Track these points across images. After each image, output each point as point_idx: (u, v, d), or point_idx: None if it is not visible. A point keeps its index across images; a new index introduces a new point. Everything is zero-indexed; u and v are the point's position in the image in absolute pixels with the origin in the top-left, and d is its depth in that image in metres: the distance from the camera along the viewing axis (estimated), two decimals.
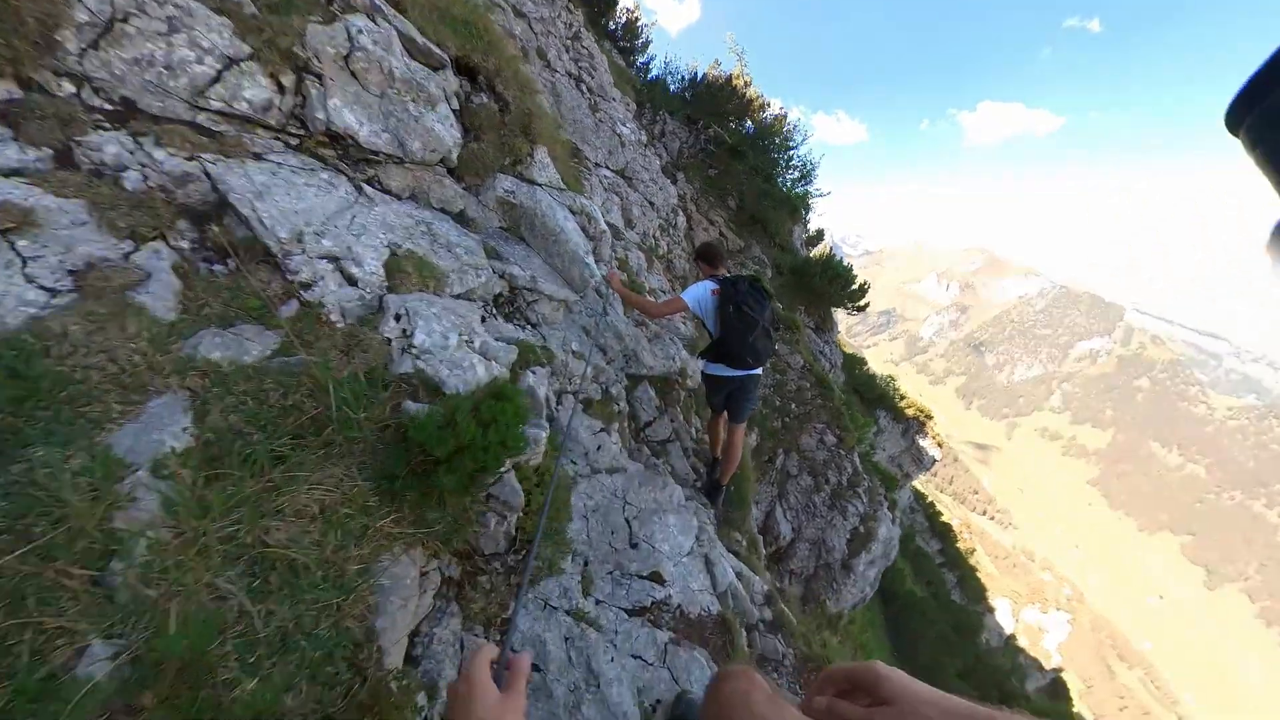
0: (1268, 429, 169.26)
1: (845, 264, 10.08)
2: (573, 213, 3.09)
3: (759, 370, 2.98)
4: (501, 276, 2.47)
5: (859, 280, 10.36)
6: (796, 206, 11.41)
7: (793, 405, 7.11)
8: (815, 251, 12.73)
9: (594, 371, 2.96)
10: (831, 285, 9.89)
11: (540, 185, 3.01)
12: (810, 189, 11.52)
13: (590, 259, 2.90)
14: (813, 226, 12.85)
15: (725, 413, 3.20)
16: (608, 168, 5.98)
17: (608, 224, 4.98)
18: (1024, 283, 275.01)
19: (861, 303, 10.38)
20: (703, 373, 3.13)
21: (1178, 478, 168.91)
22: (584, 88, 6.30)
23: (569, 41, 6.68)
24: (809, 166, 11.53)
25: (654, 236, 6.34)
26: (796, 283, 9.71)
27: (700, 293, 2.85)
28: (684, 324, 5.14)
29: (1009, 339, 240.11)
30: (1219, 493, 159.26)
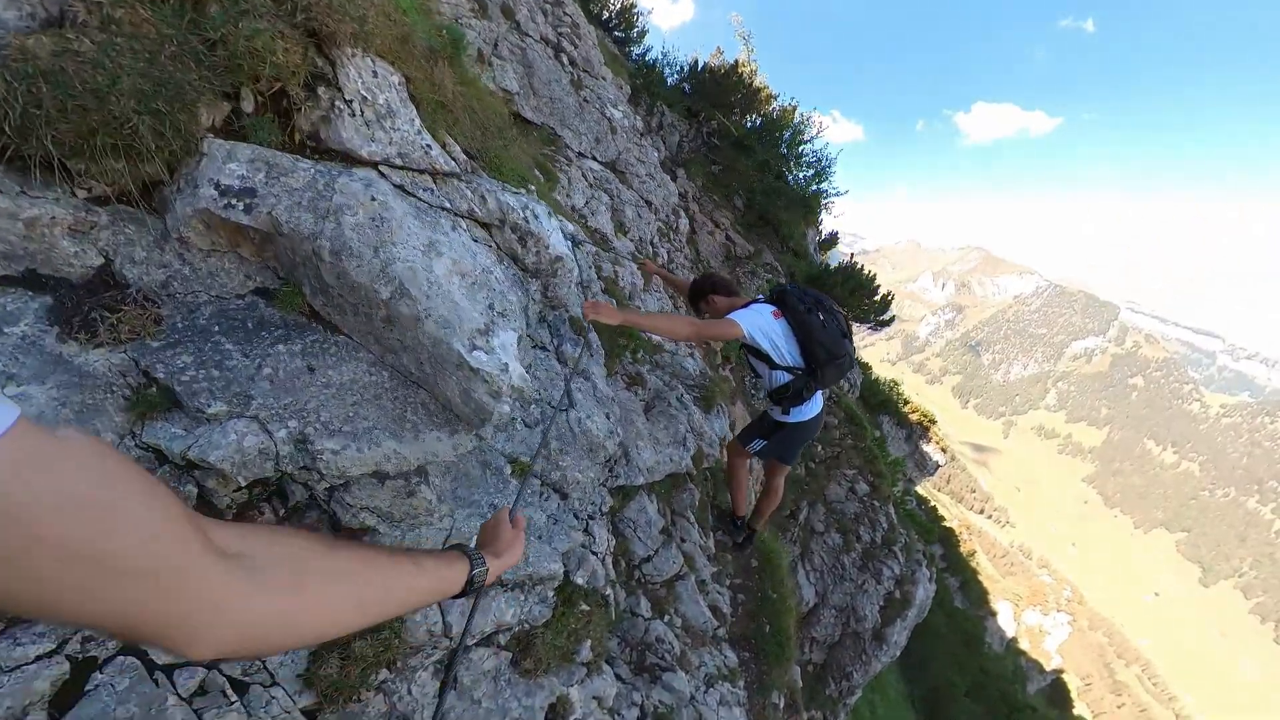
0: (1260, 426, 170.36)
1: (868, 272, 8.89)
2: (483, 227, 1.68)
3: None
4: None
5: (882, 290, 9.20)
6: (812, 207, 10.21)
7: (819, 447, 5.93)
8: (827, 255, 11.53)
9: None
10: (853, 296, 8.70)
11: (373, 165, 1.44)
12: (826, 186, 10.33)
13: (503, 349, 1.38)
14: (825, 228, 11.65)
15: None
16: (594, 158, 4.75)
17: (592, 231, 3.77)
18: (1019, 282, 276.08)
19: (886, 316, 9.21)
20: (780, 423, 2.42)
21: (1172, 475, 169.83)
22: (565, 59, 5.06)
23: (548, 5, 5.43)
24: (824, 162, 10.33)
25: (652, 244, 5.11)
26: None
27: (761, 320, 2.14)
28: (691, 357, 3.93)
29: (1005, 338, 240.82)
30: (1212, 490, 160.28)
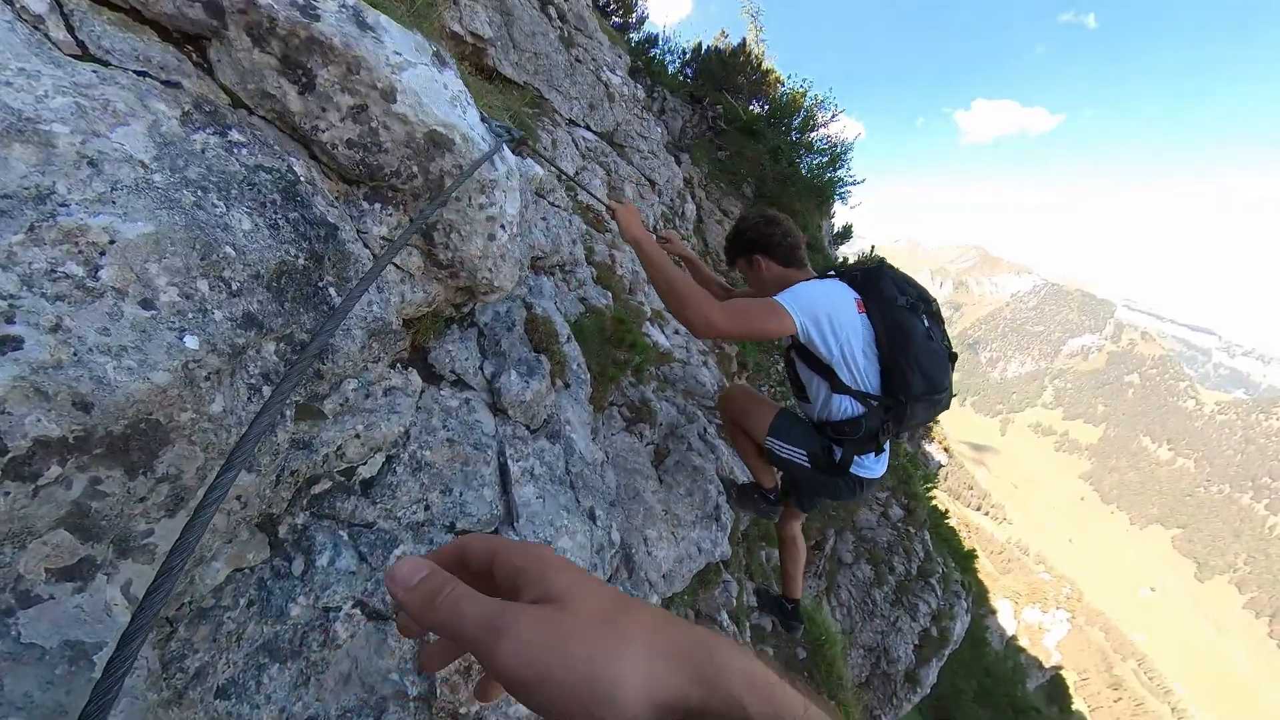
0: (1255, 423, 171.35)
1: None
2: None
3: None
4: None
5: None
6: (826, 196, 9.45)
7: None
8: (844, 249, 10.79)
9: None
10: None
11: None
12: (841, 174, 9.56)
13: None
14: (839, 221, 10.91)
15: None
16: (588, 127, 3.97)
17: (584, 208, 2.99)
18: (1016, 280, 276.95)
19: None
20: (848, 473, 1.58)
21: (1168, 472, 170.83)
22: (552, 11, 4.25)
23: None
24: (841, 149, 9.55)
25: (656, 229, 4.33)
26: None
27: (830, 307, 1.38)
28: (705, 365, 3.16)
29: (1002, 336, 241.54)
30: (1207, 486, 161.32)
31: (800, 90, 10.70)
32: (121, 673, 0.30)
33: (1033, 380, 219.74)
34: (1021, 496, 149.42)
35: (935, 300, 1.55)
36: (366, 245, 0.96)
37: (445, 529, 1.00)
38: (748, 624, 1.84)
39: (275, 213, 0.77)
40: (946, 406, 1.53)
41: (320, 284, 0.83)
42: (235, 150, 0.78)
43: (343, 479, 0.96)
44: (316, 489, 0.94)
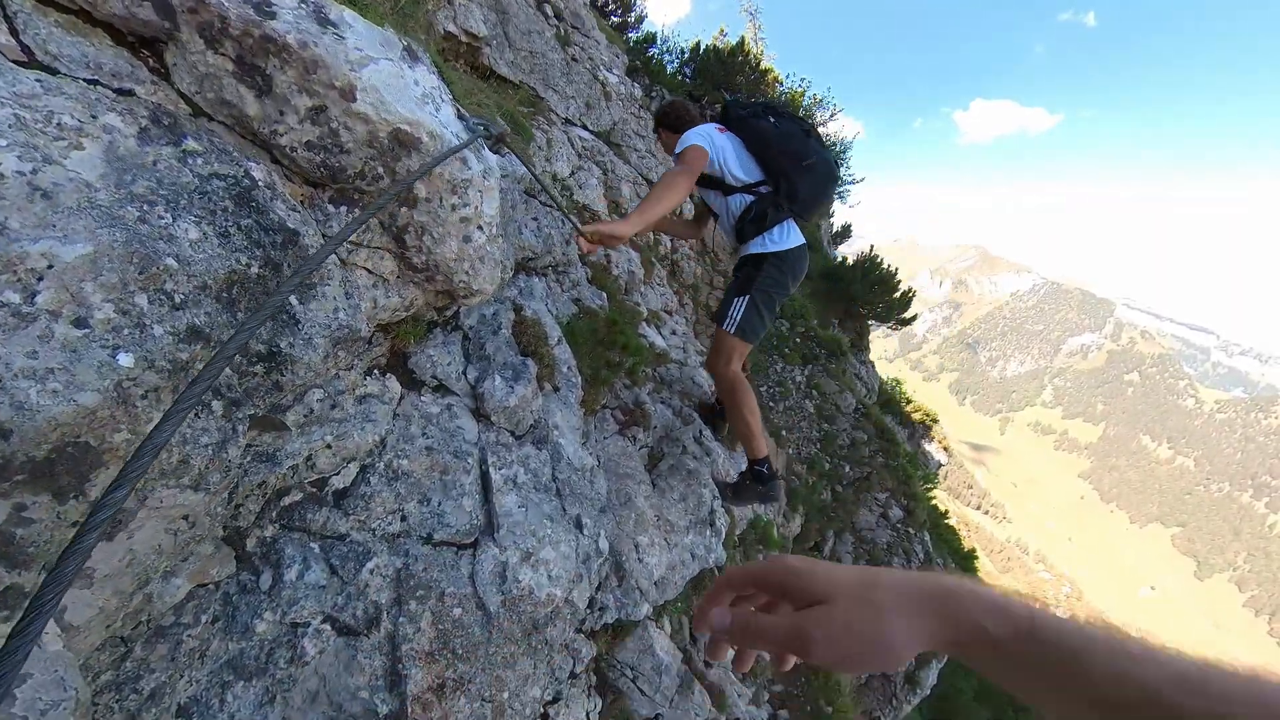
0: (1254, 422, 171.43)
1: (889, 266, 8.10)
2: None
3: None
4: None
5: (903, 286, 8.42)
6: None
7: (846, 467, 5.14)
8: (843, 248, 10.77)
9: None
10: (873, 292, 7.91)
11: None
12: (841, 172, 9.53)
13: None
14: (838, 220, 10.87)
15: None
16: (584, 126, 3.92)
17: (581, 208, 2.94)
18: (1016, 279, 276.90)
19: (908, 314, 8.43)
20: (766, 256, 1.86)
21: (1167, 470, 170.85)
22: (549, 9, 4.21)
23: None
24: (840, 147, 9.52)
25: (652, 230, 4.29)
26: (830, 290, 7.71)
27: (701, 132, 1.80)
28: (701, 368, 3.11)
29: (1001, 335, 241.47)
30: (1207, 484, 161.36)
31: (799, 90, 10.67)
32: None
33: (1032, 379, 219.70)
34: (1021, 495, 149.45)
35: (781, 105, 1.86)
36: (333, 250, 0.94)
37: (422, 540, 0.95)
38: None
39: (226, 220, 0.72)
40: (831, 173, 1.86)
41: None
42: (189, 160, 0.73)
43: (314, 490, 0.91)
44: (287, 500, 0.89)
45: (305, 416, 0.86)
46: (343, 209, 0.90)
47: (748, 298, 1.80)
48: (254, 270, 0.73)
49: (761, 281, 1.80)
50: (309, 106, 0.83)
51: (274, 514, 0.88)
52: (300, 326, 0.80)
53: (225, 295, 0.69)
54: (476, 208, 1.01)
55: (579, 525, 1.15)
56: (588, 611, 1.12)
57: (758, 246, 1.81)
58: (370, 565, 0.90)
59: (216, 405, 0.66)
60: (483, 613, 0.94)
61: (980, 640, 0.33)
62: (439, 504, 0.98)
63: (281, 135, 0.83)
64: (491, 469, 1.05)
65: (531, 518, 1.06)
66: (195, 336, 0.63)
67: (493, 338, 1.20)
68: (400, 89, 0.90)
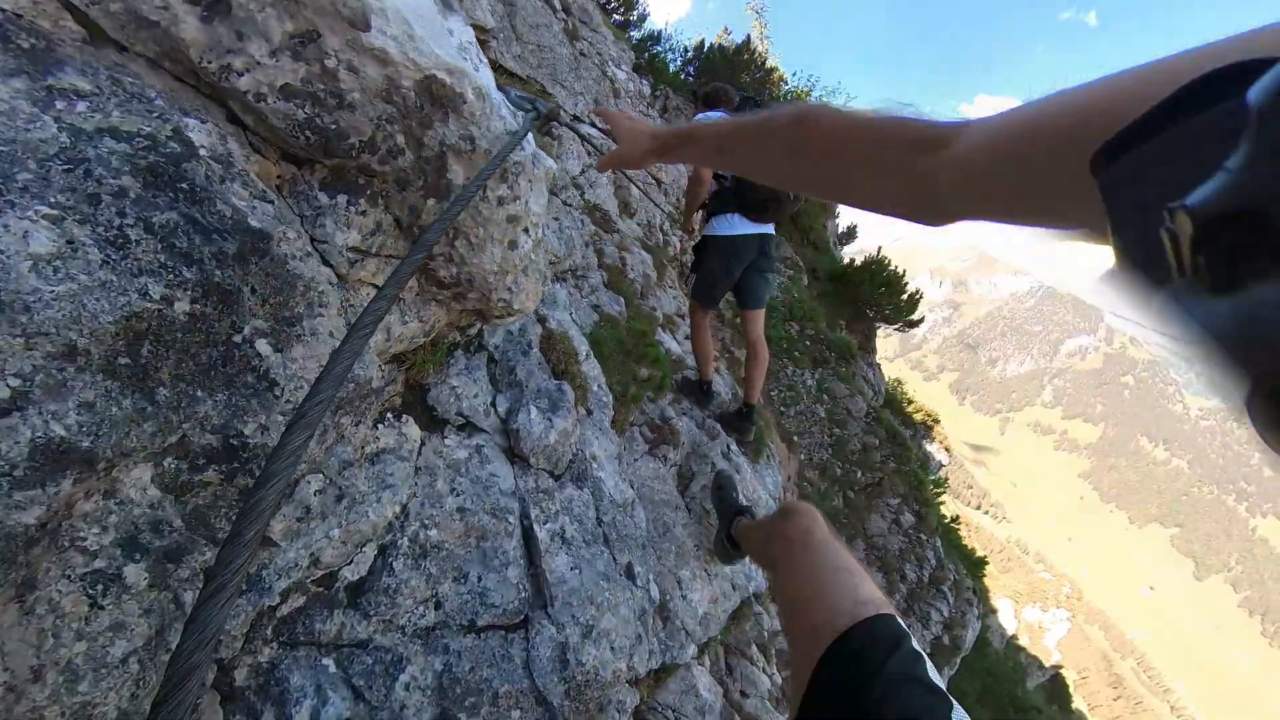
0: (1232, 430, 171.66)
1: (897, 268, 8.01)
2: None
3: (772, 228, 2.26)
4: None
5: (910, 288, 8.33)
6: None
7: (858, 473, 5.05)
8: (848, 249, 10.68)
9: None
10: (881, 294, 7.82)
11: None
12: None
13: None
14: (844, 221, 10.78)
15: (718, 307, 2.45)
16: (593, 124, 3.81)
17: (592, 207, 2.84)
18: (1014, 280, 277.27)
19: (915, 316, 8.34)
20: (707, 239, 2.22)
21: (1164, 472, 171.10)
22: (557, 3, 4.10)
23: None
24: None
25: (663, 229, 4.20)
26: (837, 292, 7.61)
27: (705, 116, 2.08)
28: (717, 374, 3.01)
29: (1001, 335, 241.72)
30: (1200, 487, 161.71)
31: (805, 89, 10.58)
32: None
33: (1032, 379, 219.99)
34: (1021, 495, 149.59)
35: (766, 97, 1.84)
36: (328, 262, 0.59)
37: (463, 629, 0.75)
38: (772, 650, 1.69)
39: (123, 215, 0.40)
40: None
41: (233, 341, 0.46)
42: (55, 103, 0.41)
43: (320, 589, 0.71)
44: (285, 609, 0.68)
45: (300, 520, 0.64)
46: (340, 198, 0.59)
47: (696, 275, 2.22)
48: (181, 309, 0.41)
49: (705, 260, 2.17)
50: (289, 32, 0.50)
51: (268, 630, 0.66)
52: (278, 392, 0.51)
53: (114, 364, 0.36)
54: (526, 202, 0.79)
55: (631, 576, 0.99)
56: (629, 663, 1.01)
57: (707, 230, 2.17)
58: (404, 678, 0.69)
59: (132, 571, 0.42)
60: (544, 709, 0.76)
61: (667, 143, 0.72)
62: (479, 579, 0.79)
63: (239, 75, 0.49)
64: (535, 524, 0.88)
65: (587, 580, 0.89)
66: (53, 462, 0.36)
67: (523, 359, 1.02)
68: (432, 26, 0.63)
